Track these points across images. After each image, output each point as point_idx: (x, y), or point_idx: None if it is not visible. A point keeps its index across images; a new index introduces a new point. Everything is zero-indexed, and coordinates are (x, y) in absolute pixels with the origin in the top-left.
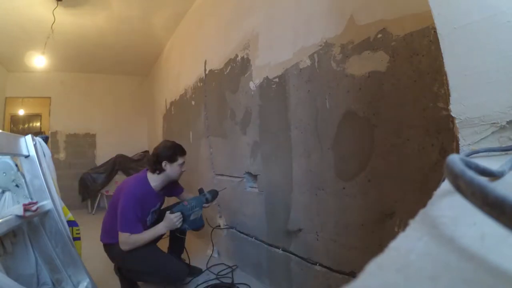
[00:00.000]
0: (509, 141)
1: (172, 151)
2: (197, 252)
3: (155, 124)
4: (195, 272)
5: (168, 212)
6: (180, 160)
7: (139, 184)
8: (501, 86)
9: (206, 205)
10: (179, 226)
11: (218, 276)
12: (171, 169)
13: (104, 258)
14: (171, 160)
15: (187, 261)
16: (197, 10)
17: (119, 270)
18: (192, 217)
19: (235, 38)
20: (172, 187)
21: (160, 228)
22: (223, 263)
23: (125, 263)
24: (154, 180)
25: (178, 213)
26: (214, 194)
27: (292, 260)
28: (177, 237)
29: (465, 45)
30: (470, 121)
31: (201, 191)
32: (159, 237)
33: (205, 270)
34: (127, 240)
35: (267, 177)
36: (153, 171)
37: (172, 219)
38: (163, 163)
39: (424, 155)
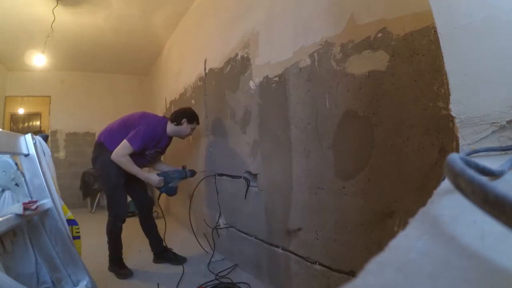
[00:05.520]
0: (509, 140)
1: (194, 115)
2: (197, 251)
3: None
4: (180, 260)
5: (156, 173)
6: (194, 125)
7: (161, 126)
8: (501, 86)
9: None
10: (158, 186)
11: (218, 276)
12: (185, 127)
13: (103, 257)
14: (190, 121)
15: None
16: (197, 9)
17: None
18: (170, 184)
19: (235, 37)
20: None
21: (144, 175)
22: (222, 262)
23: (97, 171)
24: (170, 128)
25: (162, 178)
26: (193, 173)
27: (292, 259)
28: (147, 222)
29: (465, 45)
30: (470, 120)
31: (183, 167)
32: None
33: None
34: (123, 154)
35: (267, 176)
36: (172, 121)
37: (156, 179)
38: (183, 120)
39: (424, 155)
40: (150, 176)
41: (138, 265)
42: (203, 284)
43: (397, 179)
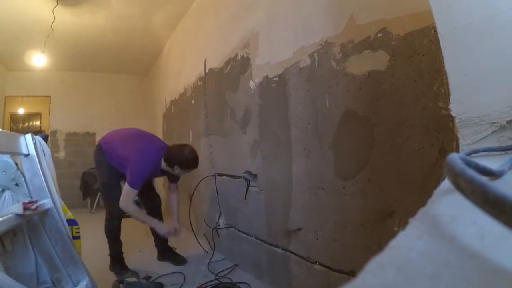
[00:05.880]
0: (509, 140)
1: (189, 163)
2: (197, 251)
3: (155, 123)
4: (180, 261)
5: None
6: (189, 170)
7: (158, 158)
8: (501, 86)
9: None
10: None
11: (218, 276)
12: (178, 171)
13: (103, 257)
14: (183, 167)
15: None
16: (197, 8)
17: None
18: None
19: (235, 37)
20: (173, 177)
21: (151, 225)
22: (222, 262)
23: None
24: (163, 165)
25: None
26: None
27: (292, 259)
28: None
29: (465, 44)
30: (470, 120)
31: (147, 278)
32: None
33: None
34: (129, 201)
35: (267, 176)
36: (165, 161)
37: (162, 226)
38: (175, 166)
39: (424, 155)
40: (161, 226)
41: (138, 265)
42: (203, 284)
43: (397, 179)
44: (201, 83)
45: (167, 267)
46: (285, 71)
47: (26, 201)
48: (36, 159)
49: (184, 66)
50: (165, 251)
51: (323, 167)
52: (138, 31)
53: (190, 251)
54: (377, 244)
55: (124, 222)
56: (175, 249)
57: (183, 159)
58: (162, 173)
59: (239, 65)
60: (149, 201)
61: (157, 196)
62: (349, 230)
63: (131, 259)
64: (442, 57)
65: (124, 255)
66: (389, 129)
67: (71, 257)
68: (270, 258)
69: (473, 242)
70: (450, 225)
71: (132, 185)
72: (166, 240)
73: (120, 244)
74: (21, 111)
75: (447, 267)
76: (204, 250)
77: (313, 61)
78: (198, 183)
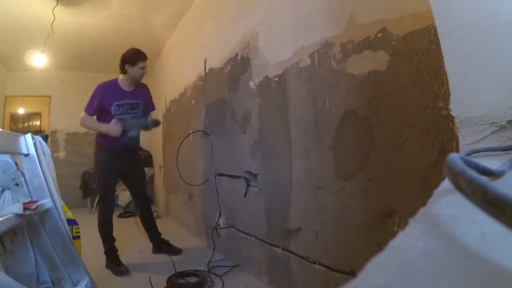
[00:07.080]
0: (509, 140)
1: (133, 56)
2: (197, 251)
3: None
4: (176, 251)
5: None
6: (141, 64)
7: (107, 82)
8: (501, 86)
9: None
10: (117, 134)
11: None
12: (132, 70)
13: (103, 257)
14: (132, 63)
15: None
16: (197, 8)
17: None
18: (129, 134)
19: (235, 37)
20: (147, 106)
21: (105, 127)
22: (222, 262)
23: (94, 168)
24: (124, 80)
25: (119, 125)
26: (155, 123)
27: (292, 259)
28: (146, 218)
29: (465, 44)
30: (470, 120)
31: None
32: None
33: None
34: (85, 118)
35: (267, 176)
36: (121, 73)
37: (112, 126)
38: (126, 66)
39: (424, 155)
40: (107, 125)
41: (138, 265)
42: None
43: (397, 179)
44: (201, 83)
45: (166, 266)
46: (285, 71)
47: (26, 201)
48: (36, 159)
49: (184, 66)
50: (160, 244)
51: (323, 167)
52: (138, 31)
53: (190, 251)
54: (377, 244)
55: (126, 222)
56: (168, 241)
57: (126, 56)
58: (132, 94)
59: (239, 65)
60: (139, 199)
61: (146, 196)
62: (349, 230)
63: (132, 258)
64: (442, 57)
65: (123, 255)
66: (389, 129)
67: (71, 257)
68: (270, 258)
69: (473, 242)
70: (450, 225)
71: (85, 109)
72: (159, 234)
73: (113, 239)
74: (21, 111)
75: (447, 267)
76: (204, 250)
77: (313, 61)
78: (199, 184)
